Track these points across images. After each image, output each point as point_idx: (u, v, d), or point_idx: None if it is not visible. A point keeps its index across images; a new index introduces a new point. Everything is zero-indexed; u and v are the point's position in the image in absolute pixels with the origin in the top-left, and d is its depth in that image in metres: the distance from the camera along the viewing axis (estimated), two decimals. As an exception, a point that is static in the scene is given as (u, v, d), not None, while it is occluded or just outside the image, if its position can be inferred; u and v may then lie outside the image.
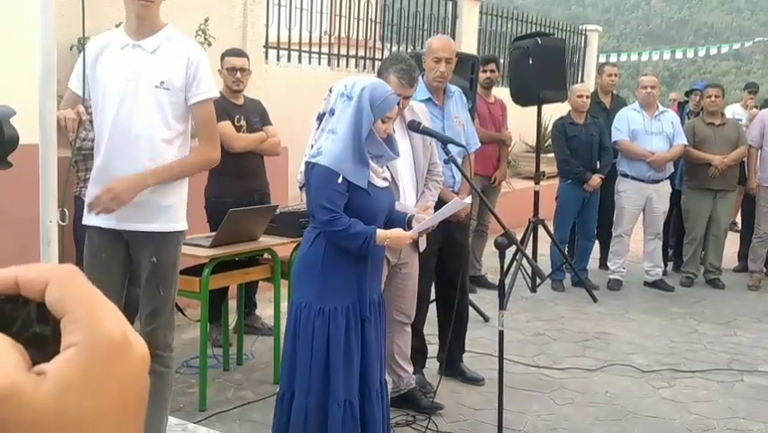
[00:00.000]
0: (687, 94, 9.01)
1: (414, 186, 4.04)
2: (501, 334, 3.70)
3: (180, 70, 3.27)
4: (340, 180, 3.11)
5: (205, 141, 3.46)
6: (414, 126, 3.86)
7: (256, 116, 5.28)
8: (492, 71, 7.12)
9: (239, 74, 5.14)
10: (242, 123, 5.17)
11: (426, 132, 3.90)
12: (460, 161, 4.62)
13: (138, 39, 3.24)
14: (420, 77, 4.67)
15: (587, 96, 7.19)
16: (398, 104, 3.61)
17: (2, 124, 2.11)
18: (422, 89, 4.57)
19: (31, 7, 3.02)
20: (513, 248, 5.60)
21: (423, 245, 4.14)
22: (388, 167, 3.72)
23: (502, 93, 7.70)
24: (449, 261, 4.52)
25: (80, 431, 0.48)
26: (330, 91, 3.25)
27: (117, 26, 3.53)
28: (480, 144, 5.15)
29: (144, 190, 3.22)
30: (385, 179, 3.36)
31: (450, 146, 4.05)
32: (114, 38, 3.27)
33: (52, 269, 0.51)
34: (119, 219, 3.27)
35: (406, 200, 3.91)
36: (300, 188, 3.37)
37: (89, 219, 3.29)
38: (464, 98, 4.90)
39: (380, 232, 3.17)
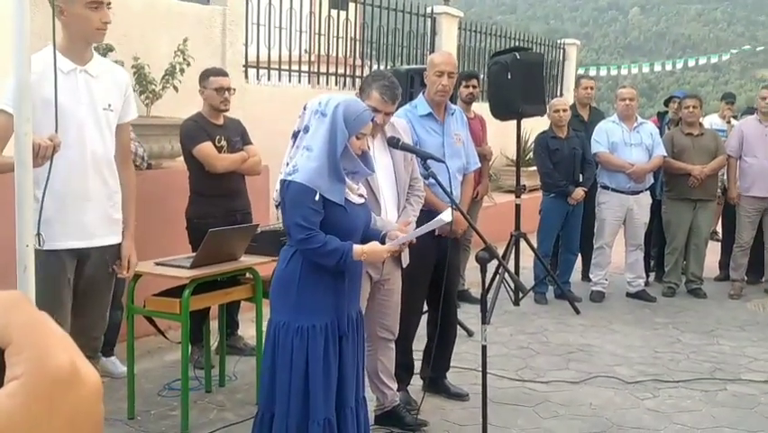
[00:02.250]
0: (666, 103, 9.06)
1: (395, 201, 4.03)
2: (484, 348, 3.70)
3: (119, 92, 3.56)
4: (317, 198, 3.11)
5: (128, 162, 3.79)
6: (393, 142, 3.86)
7: (236, 136, 5.27)
8: (474, 87, 7.15)
9: (227, 93, 5.14)
10: (223, 143, 5.16)
11: (406, 147, 3.91)
12: (460, 178, 4.64)
13: (83, 64, 3.41)
14: (421, 93, 4.70)
15: (564, 111, 7.23)
16: (374, 120, 3.63)
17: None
18: (423, 104, 4.59)
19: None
20: (495, 262, 5.61)
21: (405, 261, 4.13)
22: (368, 182, 3.73)
23: (481, 108, 7.73)
24: (442, 277, 4.52)
25: None
26: (304, 108, 3.26)
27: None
28: (480, 164, 5.16)
29: (105, 207, 3.54)
30: (361, 195, 3.36)
31: (451, 163, 4.07)
32: (49, 61, 3.19)
33: None
34: (90, 238, 3.49)
35: (388, 216, 3.89)
36: (277, 207, 3.37)
37: (59, 243, 3.38)
38: (465, 117, 4.92)
39: (357, 247, 3.17)
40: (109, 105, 3.50)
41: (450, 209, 3.35)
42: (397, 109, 4.51)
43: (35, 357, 0.45)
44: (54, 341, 0.46)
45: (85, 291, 3.56)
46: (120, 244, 3.66)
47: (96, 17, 3.38)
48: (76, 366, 0.46)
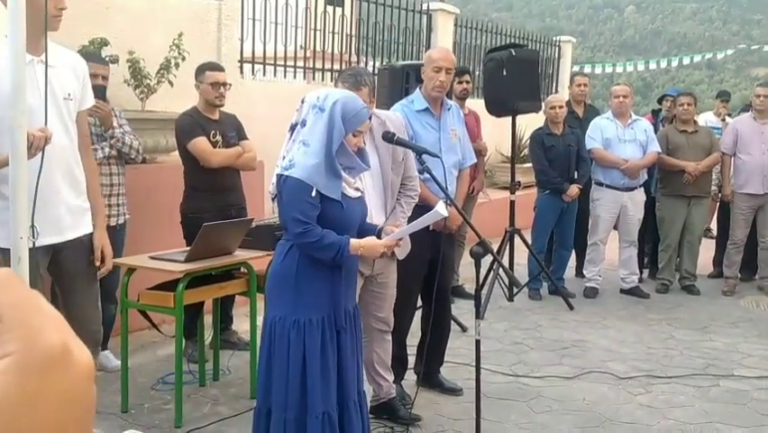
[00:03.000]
0: (659, 101, 9.09)
1: (382, 203, 3.96)
2: (478, 343, 3.71)
3: (77, 81, 3.52)
4: (313, 193, 3.11)
5: (88, 149, 3.73)
6: (388, 137, 3.85)
7: (232, 131, 5.26)
8: (467, 82, 7.16)
9: (222, 89, 5.13)
10: (218, 138, 5.16)
11: (401, 142, 3.90)
12: (456, 173, 4.64)
13: (39, 53, 3.28)
14: (418, 88, 4.70)
15: (560, 107, 7.23)
16: (370, 118, 3.63)
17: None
18: (419, 99, 4.59)
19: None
20: (490, 258, 5.63)
21: (401, 254, 4.13)
22: (360, 179, 3.73)
23: (476, 104, 7.74)
24: (436, 272, 4.53)
25: None
26: (302, 102, 3.26)
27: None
28: (476, 160, 5.16)
29: (73, 198, 3.51)
30: (357, 189, 3.36)
31: (447, 159, 4.06)
32: (5, 53, 3.10)
33: None
34: (62, 232, 3.46)
35: (373, 219, 3.78)
36: (273, 199, 3.36)
37: (41, 240, 3.31)
38: (461, 113, 4.93)
39: (354, 241, 3.18)
40: (69, 95, 3.45)
41: (444, 203, 3.35)
42: (391, 103, 4.52)
43: (27, 335, 0.44)
44: (46, 320, 0.46)
45: (70, 286, 3.55)
46: (90, 233, 3.63)
47: (52, 3, 3.26)
48: (67, 346, 0.46)
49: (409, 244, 4.02)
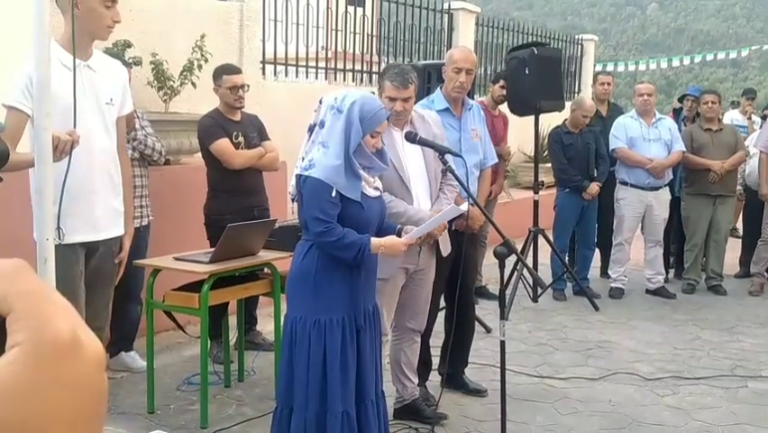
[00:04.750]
0: (680, 100, 9.01)
1: (427, 191, 4.02)
2: (503, 344, 3.68)
3: (118, 86, 3.62)
4: (333, 193, 3.11)
5: (124, 154, 3.83)
6: (410, 137, 3.85)
7: (254, 132, 5.27)
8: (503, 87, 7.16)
9: (240, 91, 5.14)
10: (240, 139, 5.16)
11: (423, 142, 3.90)
12: (477, 173, 4.63)
13: (86, 59, 3.42)
14: (439, 88, 4.69)
15: (589, 117, 7.18)
16: (393, 109, 3.64)
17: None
18: (440, 99, 4.58)
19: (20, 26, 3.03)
20: (513, 258, 5.59)
21: (447, 250, 4.13)
22: (399, 173, 3.75)
23: (505, 107, 7.70)
24: (458, 272, 4.50)
25: None
26: (320, 102, 3.26)
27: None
28: (497, 160, 5.13)
29: (111, 200, 3.62)
30: (377, 188, 3.35)
31: (468, 159, 4.06)
32: (53, 56, 3.15)
33: None
34: (98, 231, 3.56)
35: (421, 205, 3.91)
36: (293, 200, 3.37)
37: (73, 237, 3.43)
38: (482, 113, 4.91)
39: (374, 240, 3.17)
40: (111, 100, 3.55)
41: (465, 200, 3.35)
42: (417, 99, 4.50)
43: (36, 325, 0.44)
44: (55, 309, 0.46)
45: (89, 283, 3.61)
46: (121, 235, 3.76)
47: (109, 15, 3.42)
48: (77, 335, 0.46)
49: (449, 241, 4.05)
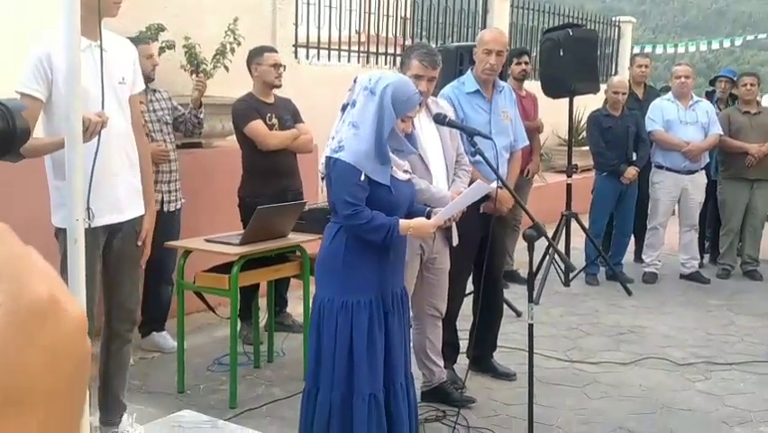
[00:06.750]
0: (711, 83, 8.85)
1: (444, 172, 4.04)
2: (531, 327, 3.66)
3: (129, 65, 3.58)
4: (362, 177, 3.11)
5: (140, 132, 3.76)
6: (440, 119, 3.84)
7: (287, 114, 5.29)
8: (526, 63, 7.06)
9: (281, 69, 5.18)
10: (274, 121, 5.18)
11: (452, 124, 3.89)
12: (507, 156, 4.60)
13: (96, 39, 3.33)
14: (470, 69, 4.67)
15: (623, 94, 7.08)
16: (422, 93, 3.64)
17: (14, 116, 2.12)
18: (470, 81, 4.56)
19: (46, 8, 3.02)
20: (545, 242, 5.55)
21: (456, 240, 4.12)
22: (419, 154, 3.75)
23: (533, 86, 7.63)
24: (487, 255, 4.50)
25: None
26: (354, 81, 3.25)
27: None
28: (528, 142, 5.09)
29: (130, 179, 3.56)
30: (406, 171, 3.35)
31: (497, 141, 4.05)
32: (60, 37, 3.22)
33: None
34: (121, 211, 3.53)
35: (439, 185, 3.94)
36: (322, 179, 3.38)
37: (95, 220, 3.36)
38: (513, 95, 4.88)
39: (403, 222, 3.17)
40: (123, 79, 3.52)
41: (493, 182, 3.33)
42: (443, 84, 4.49)
43: (14, 288, 0.43)
44: (34, 273, 0.45)
45: (117, 265, 3.60)
46: (143, 215, 3.69)
47: None
48: (55, 298, 0.45)
49: (456, 232, 4.06)
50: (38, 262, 0.46)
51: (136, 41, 4.50)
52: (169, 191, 5.01)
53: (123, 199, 3.54)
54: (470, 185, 4.09)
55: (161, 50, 5.54)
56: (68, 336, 0.45)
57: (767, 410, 4.42)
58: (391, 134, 3.16)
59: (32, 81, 3.27)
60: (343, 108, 3.27)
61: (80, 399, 0.47)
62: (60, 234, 3.29)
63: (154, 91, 5.03)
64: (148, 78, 4.81)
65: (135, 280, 3.76)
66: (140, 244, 3.68)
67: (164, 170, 4.94)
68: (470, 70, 4.67)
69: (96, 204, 3.29)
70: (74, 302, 0.46)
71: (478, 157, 3.79)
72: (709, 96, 8.69)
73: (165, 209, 4.92)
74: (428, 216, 3.34)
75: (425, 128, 3.92)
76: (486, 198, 4.04)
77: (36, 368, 0.43)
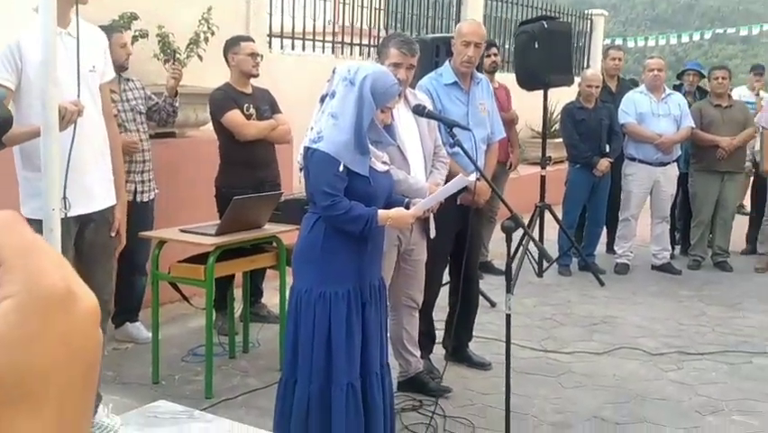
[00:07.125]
0: (679, 76, 8.93)
1: (422, 164, 4.05)
2: (509, 317, 3.68)
3: (99, 53, 3.54)
4: (341, 168, 3.10)
5: (111, 121, 3.71)
6: (419, 110, 3.84)
7: (265, 105, 5.26)
8: (495, 55, 7.07)
9: (258, 58, 5.16)
10: (252, 111, 5.15)
11: (431, 115, 3.89)
12: (484, 147, 4.62)
13: (66, 26, 3.29)
14: (447, 61, 4.67)
15: (596, 87, 7.12)
16: (400, 81, 3.63)
17: (-1, 106, 2.09)
18: (448, 73, 4.56)
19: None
20: (519, 233, 5.58)
21: (433, 232, 4.13)
22: (397, 145, 3.74)
23: (505, 78, 7.66)
24: (464, 247, 4.52)
25: (14, 396, 0.41)
26: (333, 72, 3.24)
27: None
28: (504, 134, 5.11)
29: (101, 169, 3.52)
30: (385, 162, 3.35)
31: (475, 133, 4.06)
32: (31, 25, 3.15)
33: None
34: (92, 201, 3.49)
35: (417, 177, 3.95)
36: (300, 170, 3.37)
37: (73, 210, 3.35)
38: (491, 87, 4.89)
39: (382, 212, 3.17)
40: (94, 67, 3.48)
41: (472, 173, 3.34)
42: (420, 76, 4.48)
43: (28, 277, 0.43)
44: (48, 261, 0.45)
45: (89, 255, 3.56)
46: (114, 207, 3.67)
47: None
48: (70, 287, 0.45)
49: (433, 224, 4.08)
50: (50, 250, 0.46)
51: (109, 29, 4.44)
52: (142, 181, 4.97)
53: (95, 189, 3.50)
54: (448, 177, 4.11)
55: (134, 39, 5.49)
56: (81, 325, 0.45)
57: (739, 399, 4.48)
58: (370, 125, 3.15)
59: (2, 70, 3.23)
60: (322, 99, 3.26)
61: (93, 389, 0.46)
62: (32, 225, 3.22)
63: (127, 80, 4.98)
64: (121, 68, 4.77)
65: (109, 270, 3.73)
66: (113, 234, 3.65)
67: (137, 159, 4.90)
68: (447, 62, 4.67)
69: (69, 193, 3.25)
70: (87, 292, 0.46)
71: (457, 148, 3.80)
72: (677, 89, 8.77)
73: (138, 199, 4.88)
74: (407, 207, 3.34)
75: (403, 119, 3.93)
76: (463, 189, 4.05)
77: (51, 357, 0.43)
